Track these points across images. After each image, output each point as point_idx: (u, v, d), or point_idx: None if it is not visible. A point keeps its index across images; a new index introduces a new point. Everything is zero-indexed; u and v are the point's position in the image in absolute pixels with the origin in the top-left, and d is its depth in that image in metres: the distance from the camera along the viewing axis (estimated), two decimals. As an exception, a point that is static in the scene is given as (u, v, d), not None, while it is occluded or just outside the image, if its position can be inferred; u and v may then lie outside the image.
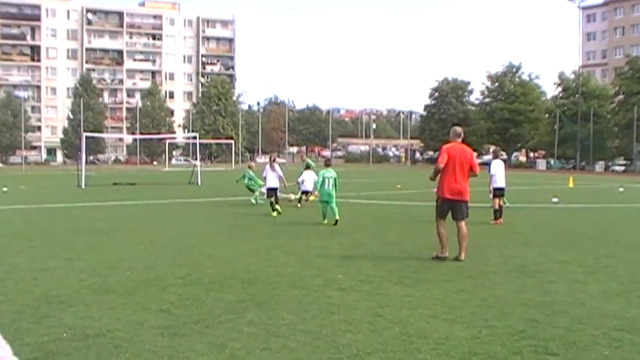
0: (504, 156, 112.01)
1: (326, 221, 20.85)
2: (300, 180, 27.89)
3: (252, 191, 29.00)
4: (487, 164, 24.47)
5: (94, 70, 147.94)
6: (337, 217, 20.59)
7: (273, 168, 25.79)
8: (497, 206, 21.91)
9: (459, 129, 14.32)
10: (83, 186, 42.99)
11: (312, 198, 27.36)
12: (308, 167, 28.81)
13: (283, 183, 26.38)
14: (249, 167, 30.64)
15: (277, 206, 24.29)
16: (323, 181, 21.27)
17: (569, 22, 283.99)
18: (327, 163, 22.17)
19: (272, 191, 25.14)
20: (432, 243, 16.38)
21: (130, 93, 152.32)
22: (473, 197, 14.83)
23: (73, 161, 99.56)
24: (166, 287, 10.77)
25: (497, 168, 22.92)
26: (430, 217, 23.71)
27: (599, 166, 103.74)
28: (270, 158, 27.54)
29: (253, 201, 28.46)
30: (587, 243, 16.98)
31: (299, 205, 27.43)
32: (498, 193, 22.35)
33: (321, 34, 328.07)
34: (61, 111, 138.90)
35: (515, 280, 11.50)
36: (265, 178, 26.17)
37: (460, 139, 14.11)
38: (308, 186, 27.42)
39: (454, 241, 13.69)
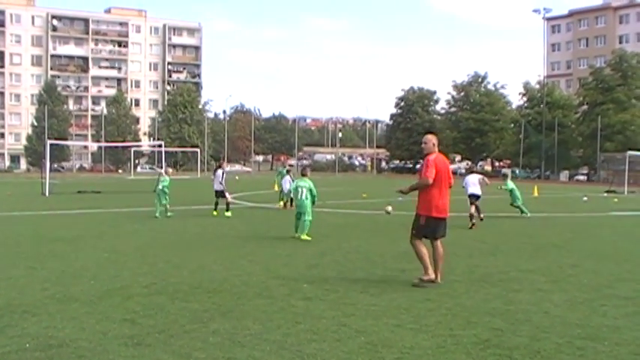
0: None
1: (297, 234, 19.61)
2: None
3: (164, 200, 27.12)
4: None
5: (58, 76, 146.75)
6: (304, 236, 19.23)
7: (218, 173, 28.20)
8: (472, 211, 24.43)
9: (436, 138, 12.72)
10: (47, 194, 42.64)
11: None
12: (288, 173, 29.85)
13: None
14: (166, 173, 29.15)
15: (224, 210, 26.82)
16: (296, 190, 20.37)
17: (535, 32, 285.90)
18: (303, 173, 21.49)
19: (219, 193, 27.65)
20: (398, 252, 16.43)
21: (96, 100, 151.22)
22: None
23: (37, 169, 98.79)
24: (131, 296, 10.69)
25: (468, 179, 26.37)
26: (395, 225, 23.78)
27: (564, 175, 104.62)
28: (219, 165, 29.91)
29: (159, 215, 26.59)
30: (552, 252, 17.09)
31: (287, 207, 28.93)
32: (472, 199, 25.23)
33: (288, 43, 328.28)
34: (25, 118, 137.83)
35: (480, 289, 11.54)
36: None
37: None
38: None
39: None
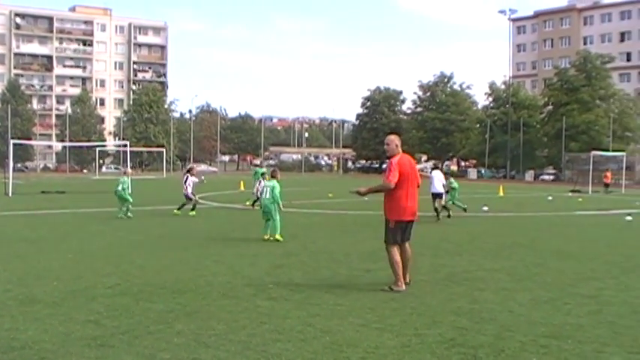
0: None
1: (266, 236, 19.15)
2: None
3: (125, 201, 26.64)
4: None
5: (22, 75, 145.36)
6: (277, 236, 18.90)
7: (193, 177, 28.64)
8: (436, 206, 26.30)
9: (398, 138, 12.20)
10: (10, 194, 42.19)
11: None
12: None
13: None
14: (125, 174, 28.47)
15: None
16: (263, 190, 20.42)
17: (500, 33, 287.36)
18: (273, 175, 20.49)
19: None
20: (363, 252, 16.46)
21: (60, 100, 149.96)
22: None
23: (0, 169, 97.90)
24: (95, 297, 10.61)
25: (433, 176, 27.51)
26: (361, 225, 23.82)
27: (529, 175, 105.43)
28: (191, 170, 29.99)
29: (122, 215, 26.30)
30: (517, 251, 17.18)
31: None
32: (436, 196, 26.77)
33: (255, 43, 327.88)
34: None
35: (445, 289, 11.58)
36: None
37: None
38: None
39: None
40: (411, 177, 11.73)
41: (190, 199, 27.90)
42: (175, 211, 27.49)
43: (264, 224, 19.58)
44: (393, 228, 11.64)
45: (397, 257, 11.54)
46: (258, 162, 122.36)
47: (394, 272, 11.54)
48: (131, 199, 26.57)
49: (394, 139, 11.94)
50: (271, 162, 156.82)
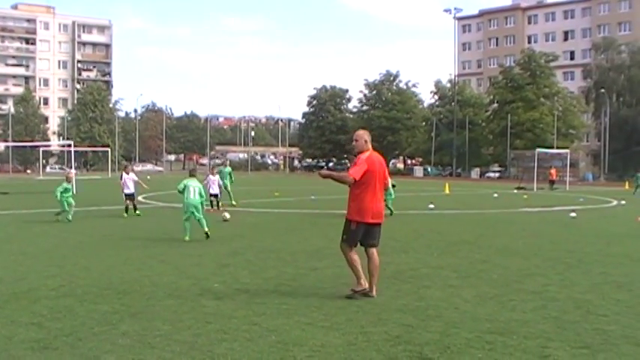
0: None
1: (187, 237, 18.51)
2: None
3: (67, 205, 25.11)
4: None
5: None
6: (206, 229, 18.75)
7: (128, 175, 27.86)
8: None
9: (368, 133, 11.44)
10: (-48, 195, 41.62)
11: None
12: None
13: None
14: (68, 180, 26.24)
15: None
16: (185, 188, 19.10)
17: (446, 32, 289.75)
18: (192, 174, 20.30)
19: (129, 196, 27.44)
20: (309, 250, 16.45)
21: (2, 99, 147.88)
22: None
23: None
24: (38, 299, 10.47)
25: None
26: (308, 224, 23.82)
27: (475, 172, 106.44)
28: (126, 167, 29.34)
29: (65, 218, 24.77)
30: (463, 248, 17.30)
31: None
32: None
33: (200, 41, 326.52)
34: None
35: (391, 286, 11.61)
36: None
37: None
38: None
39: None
40: (378, 176, 10.94)
41: (133, 198, 27.56)
42: (136, 212, 27.20)
43: (185, 226, 18.90)
44: (352, 230, 10.90)
45: (354, 256, 10.87)
46: (220, 161, 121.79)
47: (354, 272, 10.88)
48: (70, 204, 25.08)
49: (363, 135, 11.22)
50: (217, 161, 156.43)
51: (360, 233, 10.88)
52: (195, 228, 18.71)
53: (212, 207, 28.85)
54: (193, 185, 19.15)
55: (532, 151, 68.84)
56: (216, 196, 29.79)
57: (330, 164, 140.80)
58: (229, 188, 33.51)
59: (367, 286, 10.76)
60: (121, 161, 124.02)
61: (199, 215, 19.05)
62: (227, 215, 24.58)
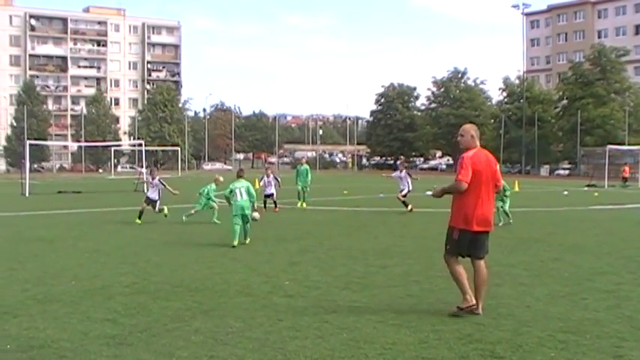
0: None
1: (236, 243, 17.25)
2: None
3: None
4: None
5: (37, 76, 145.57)
6: (248, 240, 17.78)
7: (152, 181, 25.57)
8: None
9: (475, 128, 10.40)
10: (27, 194, 42.40)
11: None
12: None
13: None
14: (216, 182, 25.56)
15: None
16: (231, 192, 18.24)
17: (514, 28, 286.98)
18: (240, 174, 19.11)
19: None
20: (379, 248, 16.44)
21: (75, 100, 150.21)
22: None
23: (17, 169, 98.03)
24: (112, 296, 10.65)
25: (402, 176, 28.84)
26: (377, 222, 23.79)
27: (544, 170, 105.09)
28: (151, 172, 26.70)
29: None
30: (533, 246, 17.14)
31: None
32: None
33: (267, 40, 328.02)
34: (4, 118, 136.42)
35: (461, 285, 11.54)
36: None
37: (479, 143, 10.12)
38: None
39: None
40: (485, 178, 9.68)
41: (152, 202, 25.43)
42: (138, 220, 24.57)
43: (235, 229, 17.68)
44: (456, 239, 9.70)
45: (459, 268, 9.65)
46: (272, 159, 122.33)
47: (458, 286, 9.66)
48: (212, 207, 24.79)
49: (469, 129, 10.22)
50: (286, 159, 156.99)
51: (464, 243, 9.64)
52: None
53: (265, 207, 27.98)
54: (239, 187, 18.18)
55: (602, 147, 67.86)
56: (271, 195, 29.05)
57: (398, 162, 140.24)
58: (307, 189, 31.98)
59: (474, 302, 9.44)
60: (190, 160, 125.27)
61: (248, 218, 18.03)
62: (257, 215, 22.85)
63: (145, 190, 27.22)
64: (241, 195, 18.03)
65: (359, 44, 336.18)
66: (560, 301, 10.35)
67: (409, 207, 27.28)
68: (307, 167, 32.82)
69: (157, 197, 25.20)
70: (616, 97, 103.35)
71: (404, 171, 29.08)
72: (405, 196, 27.88)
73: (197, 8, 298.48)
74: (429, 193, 10.62)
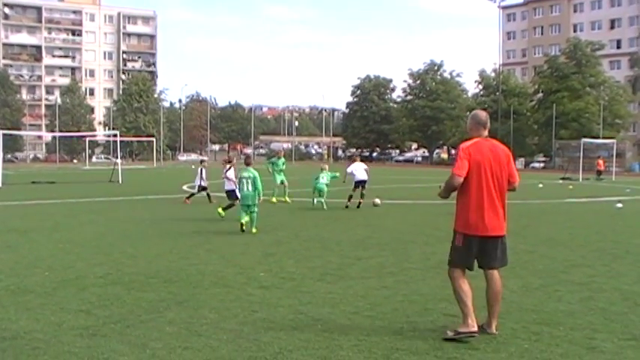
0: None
1: (243, 221, 18.27)
2: (348, 171, 28.29)
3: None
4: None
5: (11, 65, 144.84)
6: (254, 229, 18.20)
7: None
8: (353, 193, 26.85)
9: (483, 115, 8.58)
10: (0, 185, 42.08)
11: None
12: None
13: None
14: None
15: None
16: (240, 182, 19.13)
17: (490, 21, 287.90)
18: (247, 162, 19.67)
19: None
20: (355, 239, 16.46)
21: (49, 90, 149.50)
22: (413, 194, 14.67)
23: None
24: (86, 287, 10.59)
25: (356, 167, 28.00)
26: (352, 213, 23.82)
27: (520, 162, 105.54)
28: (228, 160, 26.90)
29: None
30: (508, 238, 17.15)
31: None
32: (359, 184, 27.20)
33: (244, 31, 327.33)
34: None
35: (436, 276, 11.55)
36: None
37: (487, 132, 8.45)
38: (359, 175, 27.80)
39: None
40: (491, 171, 8.17)
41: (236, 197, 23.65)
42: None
43: (242, 214, 18.56)
44: (457, 246, 8.35)
45: (464, 285, 8.19)
46: (249, 151, 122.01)
47: (459, 306, 8.16)
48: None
49: (472, 116, 8.60)
50: (261, 150, 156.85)
51: (469, 251, 8.24)
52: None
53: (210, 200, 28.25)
54: (246, 177, 18.69)
55: (577, 141, 68.22)
56: (204, 188, 29.05)
57: (374, 154, 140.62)
58: (285, 182, 31.00)
59: (476, 326, 7.92)
60: (165, 151, 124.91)
61: (254, 208, 18.57)
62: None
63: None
64: (247, 186, 18.63)
65: (336, 36, 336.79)
66: (534, 293, 10.40)
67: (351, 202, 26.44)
68: (284, 160, 32.33)
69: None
70: (591, 90, 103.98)
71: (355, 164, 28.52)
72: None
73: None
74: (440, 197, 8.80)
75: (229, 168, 24.00)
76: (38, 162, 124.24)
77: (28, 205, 28.03)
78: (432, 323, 8.46)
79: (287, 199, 29.83)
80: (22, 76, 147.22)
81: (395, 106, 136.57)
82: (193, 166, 37.16)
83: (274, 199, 29.46)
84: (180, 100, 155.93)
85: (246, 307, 9.27)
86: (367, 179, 27.65)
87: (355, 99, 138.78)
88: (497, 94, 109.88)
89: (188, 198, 28.96)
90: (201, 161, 31.85)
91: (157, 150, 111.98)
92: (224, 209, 22.53)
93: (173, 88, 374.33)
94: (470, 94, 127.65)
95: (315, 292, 10.29)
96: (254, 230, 18.19)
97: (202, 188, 29.02)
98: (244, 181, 18.72)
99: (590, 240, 17.15)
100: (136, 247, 15.26)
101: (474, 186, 8.09)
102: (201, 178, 29.07)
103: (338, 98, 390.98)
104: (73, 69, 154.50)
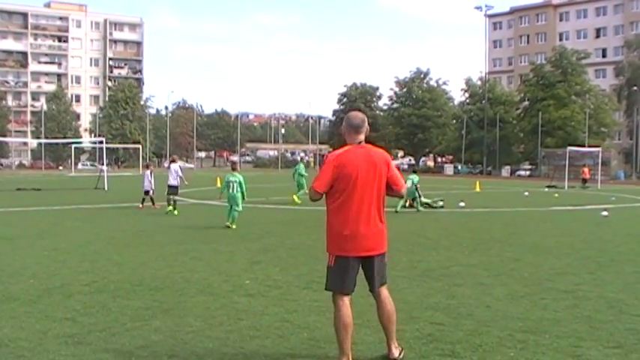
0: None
1: (228, 223, 21.24)
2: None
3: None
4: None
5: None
6: (233, 226, 21.06)
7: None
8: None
9: (358, 117, 7.36)
10: (-14, 191, 41.97)
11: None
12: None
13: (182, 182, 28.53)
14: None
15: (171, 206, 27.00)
16: (227, 185, 21.76)
17: (476, 29, 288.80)
18: (234, 167, 23.04)
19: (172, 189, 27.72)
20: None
21: (35, 96, 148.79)
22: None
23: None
24: (71, 295, 10.56)
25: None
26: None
27: (506, 170, 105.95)
28: (172, 159, 30.36)
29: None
30: (494, 246, 17.24)
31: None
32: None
33: (230, 39, 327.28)
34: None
35: (422, 284, 11.58)
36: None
37: (362, 137, 7.30)
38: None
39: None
40: (364, 182, 7.16)
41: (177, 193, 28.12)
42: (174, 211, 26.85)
43: (228, 213, 21.58)
44: (331, 267, 7.50)
45: (345, 317, 7.24)
46: (235, 159, 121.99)
47: (337, 339, 7.25)
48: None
49: (347, 119, 7.45)
50: (248, 158, 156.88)
51: (346, 273, 7.31)
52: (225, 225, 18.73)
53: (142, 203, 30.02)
54: (233, 180, 21.64)
55: (563, 149, 68.50)
56: (147, 192, 30.00)
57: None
58: (305, 185, 33.49)
59: None
60: (152, 158, 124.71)
61: (237, 208, 21.33)
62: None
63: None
64: (234, 188, 21.49)
65: (322, 43, 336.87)
66: (520, 300, 10.41)
67: None
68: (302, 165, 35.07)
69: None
70: (576, 99, 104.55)
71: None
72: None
73: (160, 5, 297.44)
74: None
75: (168, 167, 27.28)
76: (24, 168, 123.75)
77: (13, 212, 27.93)
78: (418, 331, 8.46)
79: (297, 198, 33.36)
80: (7, 82, 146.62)
81: (381, 114, 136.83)
82: (141, 172, 37.06)
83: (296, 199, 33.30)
84: (166, 107, 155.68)
85: (232, 315, 9.26)
86: None
87: (342, 106, 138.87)
88: (484, 102, 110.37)
89: (142, 203, 30.04)
90: (147, 165, 33.28)
91: (142, 157, 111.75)
92: (174, 207, 26.69)
93: (159, 95, 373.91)
94: (456, 102, 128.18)
95: (301, 300, 10.29)
96: (234, 226, 21.00)
97: (146, 192, 29.98)
98: (231, 184, 21.55)
99: (575, 248, 17.20)
100: (122, 254, 15.22)
101: (346, 201, 7.20)
102: (150, 181, 30.09)
103: (324, 106, 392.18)
104: (59, 75, 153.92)
